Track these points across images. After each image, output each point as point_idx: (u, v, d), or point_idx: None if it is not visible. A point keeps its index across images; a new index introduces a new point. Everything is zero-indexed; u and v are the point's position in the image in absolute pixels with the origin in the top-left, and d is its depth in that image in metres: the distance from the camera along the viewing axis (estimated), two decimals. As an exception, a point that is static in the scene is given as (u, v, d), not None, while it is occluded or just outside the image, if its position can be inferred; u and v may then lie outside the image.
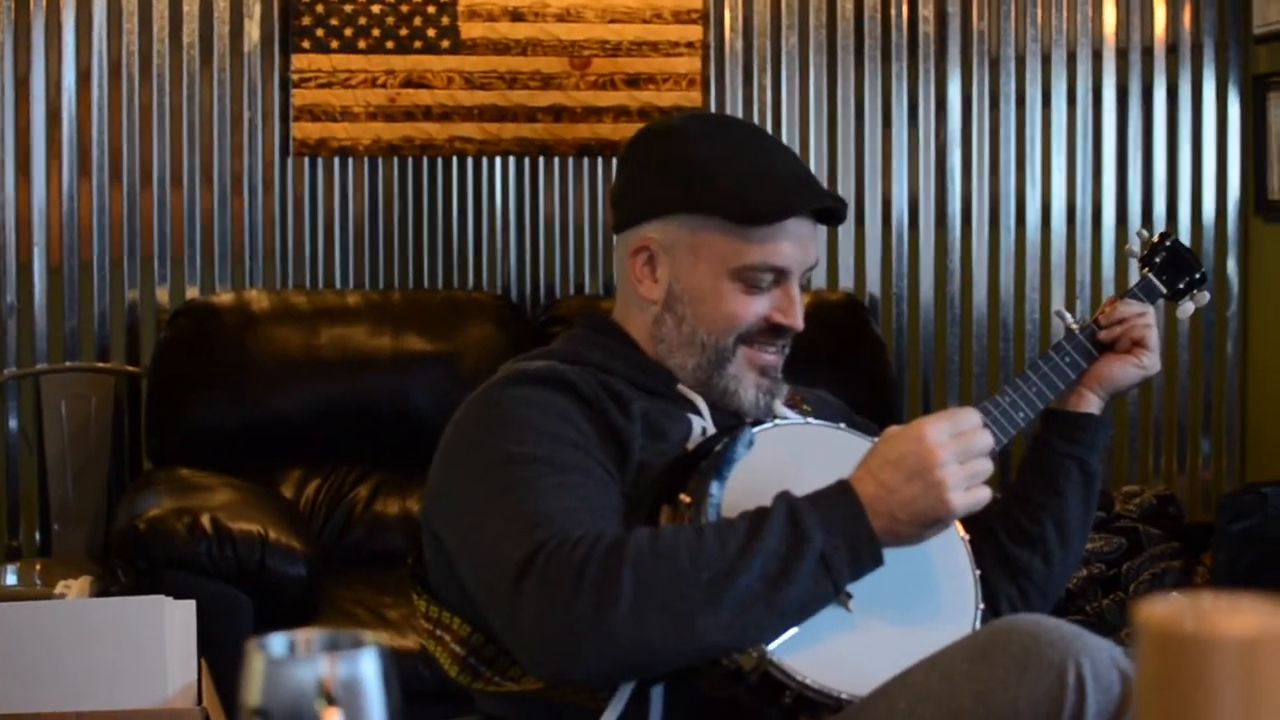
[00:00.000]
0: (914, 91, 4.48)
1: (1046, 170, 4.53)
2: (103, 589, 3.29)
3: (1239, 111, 4.57)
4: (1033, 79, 4.52)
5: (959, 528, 1.98)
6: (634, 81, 4.33)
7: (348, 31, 4.20)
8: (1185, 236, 4.50)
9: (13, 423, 4.10)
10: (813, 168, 4.11)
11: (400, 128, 4.24)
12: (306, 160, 4.23)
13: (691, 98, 4.35)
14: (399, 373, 3.91)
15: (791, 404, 2.14)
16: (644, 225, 2.06)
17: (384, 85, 4.23)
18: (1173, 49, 4.57)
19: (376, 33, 4.21)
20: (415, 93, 4.24)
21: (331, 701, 0.90)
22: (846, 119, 4.46)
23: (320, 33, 4.19)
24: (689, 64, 4.36)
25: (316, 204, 4.24)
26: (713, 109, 4.36)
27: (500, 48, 4.27)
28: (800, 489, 1.79)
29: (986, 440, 1.81)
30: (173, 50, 4.15)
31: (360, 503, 3.88)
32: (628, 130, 4.20)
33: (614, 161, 4.30)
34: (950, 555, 1.96)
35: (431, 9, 4.23)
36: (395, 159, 4.26)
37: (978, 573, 1.97)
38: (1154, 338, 2.18)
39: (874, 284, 4.47)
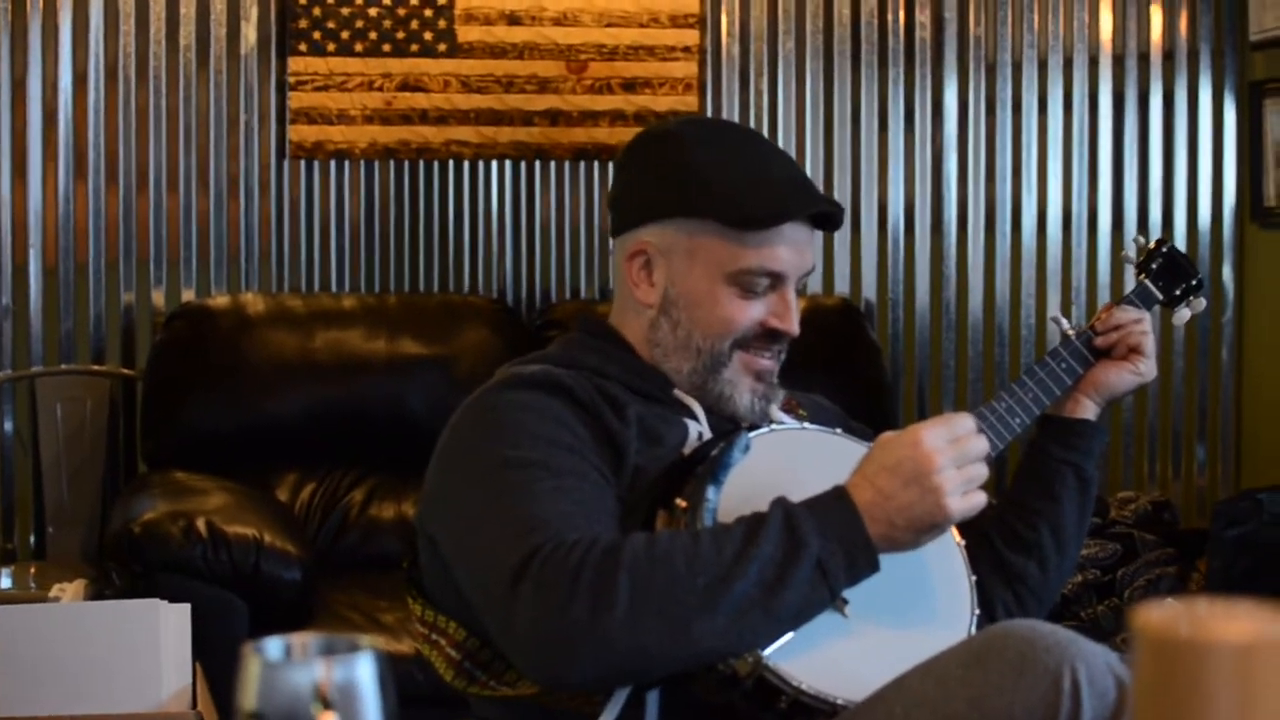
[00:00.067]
0: (910, 97, 4.48)
1: (1043, 176, 4.53)
2: (97, 592, 3.29)
3: (1235, 118, 4.57)
4: (1029, 85, 4.52)
5: (955, 533, 1.97)
6: (630, 86, 4.33)
7: (344, 35, 4.20)
8: (1181, 242, 4.50)
9: (8, 425, 4.10)
10: (809, 173, 4.10)
11: (396, 131, 4.24)
12: (303, 163, 4.22)
13: (688, 102, 4.35)
14: (394, 376, 3.91)
15: (787, 409, 2.14)
16: (640, 229, 2.06)
17: (380, 88, 4.23)
18: (1169, 55, 4.57)
19: (373, 36, 4.22)
20: (412, 96, 4.24)
21: (327, 706, 0.90)
22: (843, 124, 4.46)
23: (317, 36, 4.19)
24: (685, 68, 4.36)
25: (313, 207, 4.23)
26: (709, 114, 4.36)
27: (497, 51, 4.27)
28: (796, 494, 1.79)
29: (982, 445, 1.81)
30: (169, 52, 4.15)
31: (355, 506, 3.88)
32: (624, 134, 4.20)
33: (610, 166, 4.30)
34: (946, 561, 1.96)
35: (428, 12, 4.23)
36: (391, 162, 4.26)
37: (973, 578, 1.97)
38: (1150, 344, 2.18)
39: (870, 289, 4.47)
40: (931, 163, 4.49)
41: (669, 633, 1.71)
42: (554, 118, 4.30)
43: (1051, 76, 4.53)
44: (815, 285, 4.39)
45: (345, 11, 4.20)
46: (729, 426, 2.00)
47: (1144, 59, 4.56)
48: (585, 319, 2.19)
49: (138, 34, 4.13)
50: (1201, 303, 2.31)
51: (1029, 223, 4.53)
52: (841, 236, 4.43)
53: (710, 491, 1.82)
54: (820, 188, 2.61)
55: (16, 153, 4.08)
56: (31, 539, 4.11)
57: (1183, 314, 2.31)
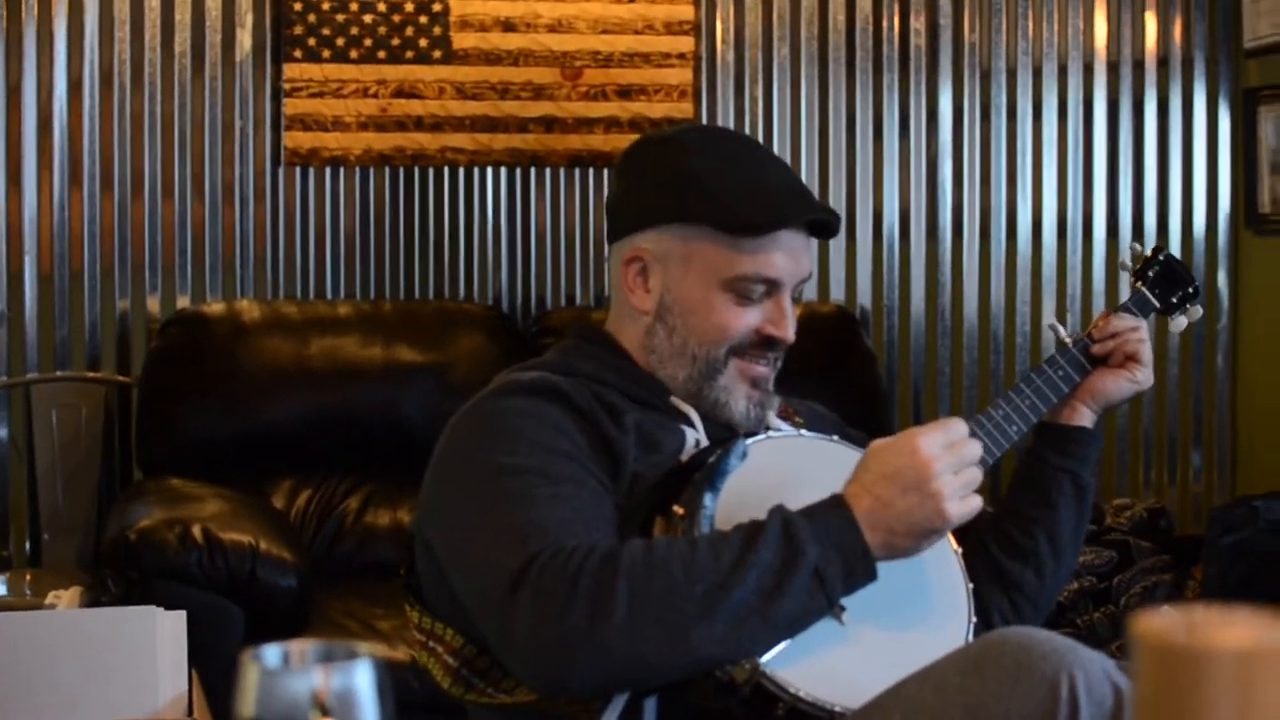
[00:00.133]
0: (905, 103, 4.48)
1: (1038, 183, 4.54)
2: (93, 599, 3.28)
3: (1229, 125, 4.58)
4: (1024, 91, 4.53)
5: (952, 541, 1.98)
6: (625, 92, 4.34)
7: (340, 41, 4.20)
8: (1176, 249, 4.51)
9: (3, 432, 4.09)
10: (804, 179, 4.11)
11: (392, 138, 4.24)
12: (298, 170, 4.22)
13: (683, 109, 4.35)
14: (390, 383, 3.91)
15: (784, 416, 2.14)
16: (637, 235, 2.06)
17: (375, 95, 4.23)
18: (1164, 62, 4.58)
19: (368, 42, 4.22)
20: (407, 103, 4.24)
21: (325, 713, 0.90)
22: (838, 131, 4.46)
23: (312, 42, 4.19)
24: (681, 75, 4.36)
25: (308, 214, 4.23)
26: (704, 120, 4.37)
27: (492, 58, 4.27)
28: (793, 501, 1.79)
29: (977, 449, 1.81)
30: (164, 59, 4.14)
31: (351, 514, 3.87)
32: (619, 141, 4.21)
33: (605, 172, 4.30)
34: (943, 568, 1.96)
35: (423, 19, 4.23)
36: (387, 169, 4.26)
37: (970, 585, 1.97)
38: (1147, 352, 2.19)
39: (865, 296, 4.47)
40: (927, 169, 4.50)
41: (667, 640, 1.70)
42: (549, 124, 4.30)
43: (1046, 83, 4.53)
44: (810, 292, 4.39)
45: (340, 18, 4.20)
46: (726, 434, 2.00)
47: (1139, 66, 4.57)
48: (581, 326, 2.19)
49: (133, 40, 4.13)
50: (1198, 310, 2.31)
51: (1024, 229, 4.53)
52: (837, 243, 4.43)
53: (708, 499, 1.82)
54: (815, 195, 2.61)
55: (11, 159, 4.08)
56: (27, 546, 4.11)
57: (1180, 322, 2.31)
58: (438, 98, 4.25)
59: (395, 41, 4.23)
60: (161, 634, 2.01)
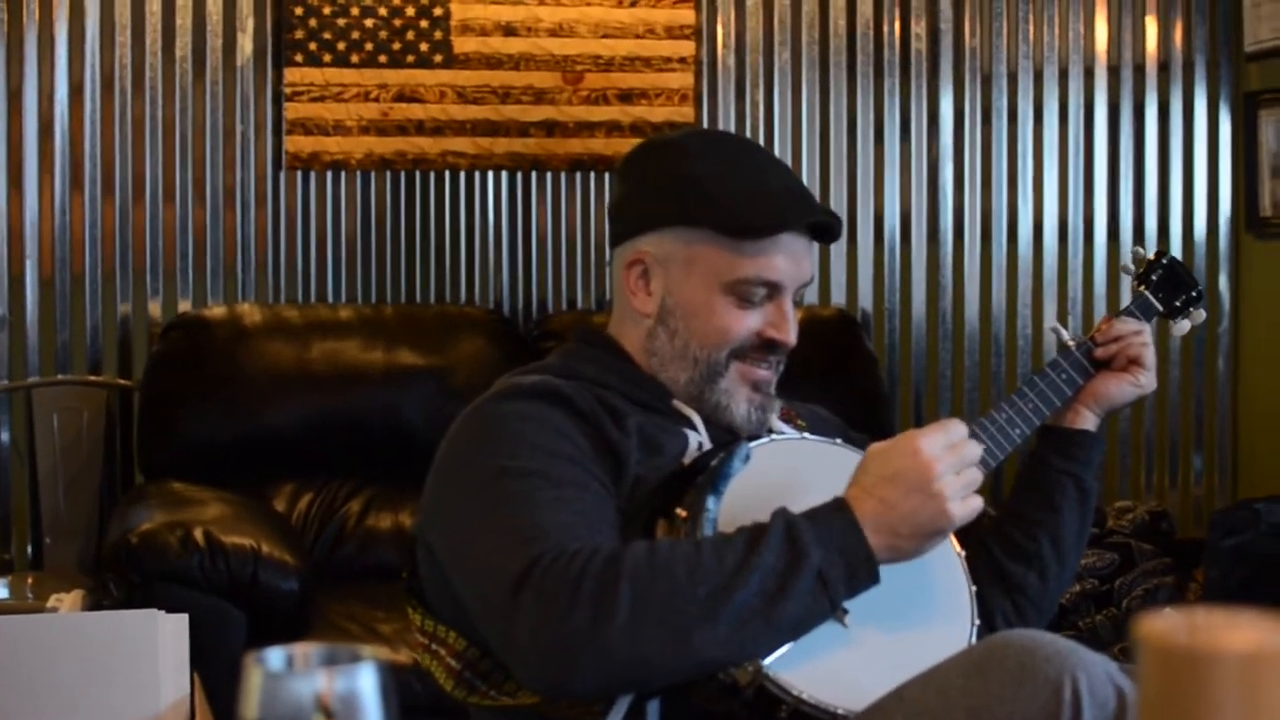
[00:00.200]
0: (906, 107, 4.48)
1: (1039, 186, 4.54)
2: (95, 602, 3.28)
3: (1230, 129, 4.58)
4: (1025, 95, 4.53)
5: (955, 543, 1.98)
6: (627, 96, 4.34)
7: (341, 45, 4.20)
8: (1177, 253, 4.50)
9: (4, 436, 4.09)
10: (805, 183, 4.11)
11: (393, 142, 4.24)
12: (299, 174, 4.23)
13: (684, 113, 4.36)
14: (391, 387, 3.91)
15: (786, 419, 2.14)
16: (639, 238, 2.06)
17: (377, 99, 4.23)
18: (1164, 66, 4.58)
19: (369, 47, 4.22)
20: (408, 107, 4.24)
21: (329, 716, 0.90)
22: (839, 134, 4.46)
23: (313, 46, 4.19)
24: (682, 79, 4.36)
25: (309, 218, 4.23)
26: (705, 124, 4.37)
27: (493, 62, 4.27)
28: (796, 504, 1.79)
29: (977, 450, 1.82)
30: (165, 63, 4.15)
31: (352, 517, 3.87)
32: (620, 145, 4.21)
33: (606, 176, 4.30)
34: (946, 571, 1.96)
35: (424, 23, 4.24)
36: (388, 173, 4.26)
37: (973, 588, 1.97)
38: (1150, 356, 2.19)
39: (866, 299, 4.48)
40: (928, 173, 4.50)
41: (670, 642, 1.70)
42: (550, 128, 4.31)
43: (1047, 87, 4.53)
44: (812, 295, 4.39)
45: (341, 23, 4.20)
46: (728, 437, 2.00)
47: (1139, 70, 4.57)
48: (583, 329, 2.19)
49: (134, 45, 4.13)
50: (1201, 314, 2.32)
51: (1025, 233, 4.54)
52: (838, 247, 4.43)
53: (710, 501, 1.82)
54: (816, 198, 2.61)
55: (12, 163, 4.08)
56: (29, 549, 4.11)
57: (1182, 325, 2.31)
58: (439, 102, 4.25)
59: (396, 46, 4.23)
60: (163, 637, 2.01)
